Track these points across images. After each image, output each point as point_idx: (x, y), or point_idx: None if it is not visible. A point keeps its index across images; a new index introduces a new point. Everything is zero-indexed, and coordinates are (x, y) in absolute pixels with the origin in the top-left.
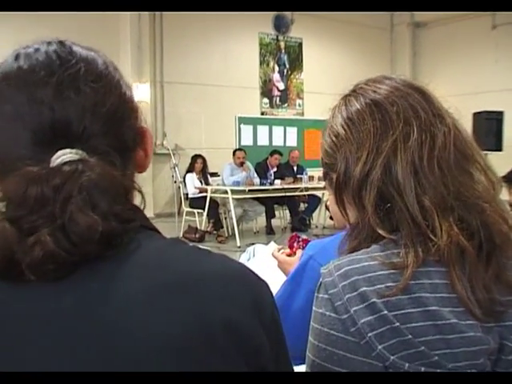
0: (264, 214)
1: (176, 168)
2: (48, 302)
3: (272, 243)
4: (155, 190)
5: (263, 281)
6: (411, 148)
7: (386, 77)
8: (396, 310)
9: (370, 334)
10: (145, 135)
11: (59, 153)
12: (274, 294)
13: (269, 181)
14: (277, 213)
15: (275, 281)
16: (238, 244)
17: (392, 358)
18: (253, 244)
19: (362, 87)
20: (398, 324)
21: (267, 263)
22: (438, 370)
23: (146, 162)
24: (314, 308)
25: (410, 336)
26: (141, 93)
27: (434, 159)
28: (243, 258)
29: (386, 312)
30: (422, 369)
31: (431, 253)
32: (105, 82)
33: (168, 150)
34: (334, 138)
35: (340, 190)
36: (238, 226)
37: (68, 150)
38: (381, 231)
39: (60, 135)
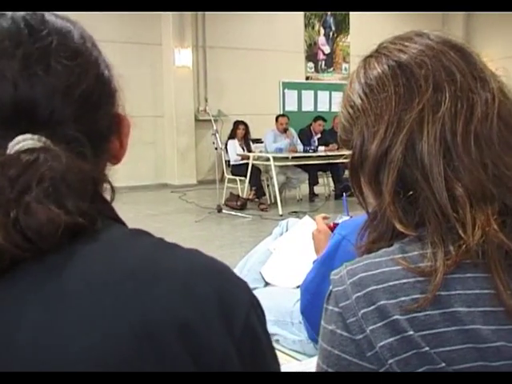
0: (307, 182)
1: (217, 134)
2: None
3: (306, 217)
4: (198, 157)
5: (240, 280)
6: (441, 120)
7: (417, 33)
8: (424, 330)
9: (390, 361)
10: (121, 123)
11: (19, 138)
12: (306, 274)
13: (312, 147)
14: (320, 180)
15: (306, 257)
16: (280, 212)
17: None
18: (295, 212)
19: (386, 46)
20: (427, 348)
21: (299, 238)
22: None
23: (121, 153)
24: (322, 323)
25: (443, 364)
26: (183, 58)
27: (471, 134)
28: (276, 232)
29: (411, 332)
30: None
31: (465, 254)
32: (80, 60)
33: (209, 115)
34: (350, 110)
35: (355, 172)
36: (280, 193)
37: (29, 136)
38: (399, 226)
39: (23, 117)
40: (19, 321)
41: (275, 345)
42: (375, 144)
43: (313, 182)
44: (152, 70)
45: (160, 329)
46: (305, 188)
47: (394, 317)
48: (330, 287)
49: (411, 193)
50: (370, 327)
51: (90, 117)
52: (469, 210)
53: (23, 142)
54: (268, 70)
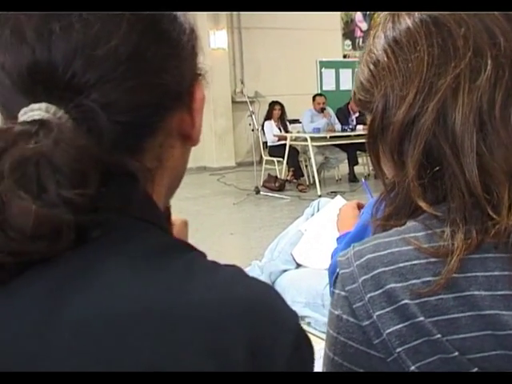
0: (346, 161)
1: (253, 116)
2: None
3: (338, 197)
4: (236, 139)
5: (286, 314)
6: (480, 89)
7: None
8: (436, 316)
9: (399, 349)
10: (193, 95)
11: (27, 108)
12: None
13: (350, 126)
14: (360, 159)
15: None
16: (319, 193)
17: None
18: (334, 192)
19: None
20: (438, 335)
21: (330, 219)
22: None
23: (194, 132)
24: (329, 307)
25: (456, 353)
26: (218, 40)
27: (511, 107)
28: (307, 213)
29: (421, 318)
30: None
31: (489, 235)
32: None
33: (245, 97)
34: (372, 67)
35: (374, 138)
36: (319, 174)
37: (37, 106)
38: (423, 203)
39: (39, 84)
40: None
41: (306, 327)
42: (403, 110)
43: (352, 161)
44: None
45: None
46: (344, 168)
47: (403, 301)
48: (337, 269)
49: (437, 168)
50: (377, 312)
51: (134, 80)
52: (506, 190)
53: (30, 112)
54: (305, 49)
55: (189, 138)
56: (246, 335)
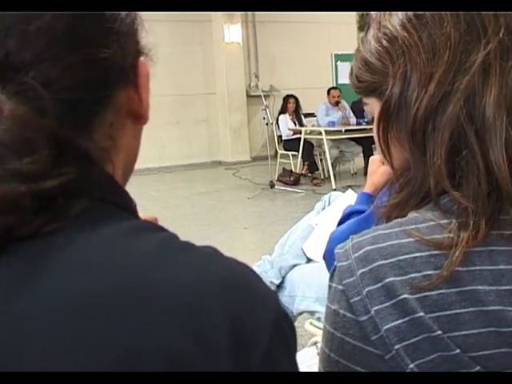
0: (361, 155)
1: (267, 109)
2: None
3: (349, 190)
4: (251, 133)
5: (264, 291)
6: (511, 70)
7: None
8: (437, 311)
9: (397, 346)
10: (137, 71)
11: None
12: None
13: (366, 120)
14: (375, 153)
15: None
16: (334, 187)
17: None
18: (349, 186)
19: None
20: (439, 332)
21: (341, 213)
22: None
23: (143, 108)
24: (326, 302)
25: (457, 350)
26: (232, 34)
27: None
28: (318, 207)
29: (421, 314)
30: None
31: (504, 228)
32: None
33: (260, 91)
34: (386, 44)
35: (387, 121)
36: (334, 167)
37: None
38: (455, 192)
39: None
40: None
41: (317, 323)
42: (429, 89)
43: (368, 155)
44: (202, 47)
45: (145, 364)
46: (359, 161)
47: (403, 296)
48: (335, 262)
49: (465, 152)
50: (375, 307)
51: (73, 57)
52: None
53: None
54: (320, 42)
55: (139, 117)
56: (227, 313)
